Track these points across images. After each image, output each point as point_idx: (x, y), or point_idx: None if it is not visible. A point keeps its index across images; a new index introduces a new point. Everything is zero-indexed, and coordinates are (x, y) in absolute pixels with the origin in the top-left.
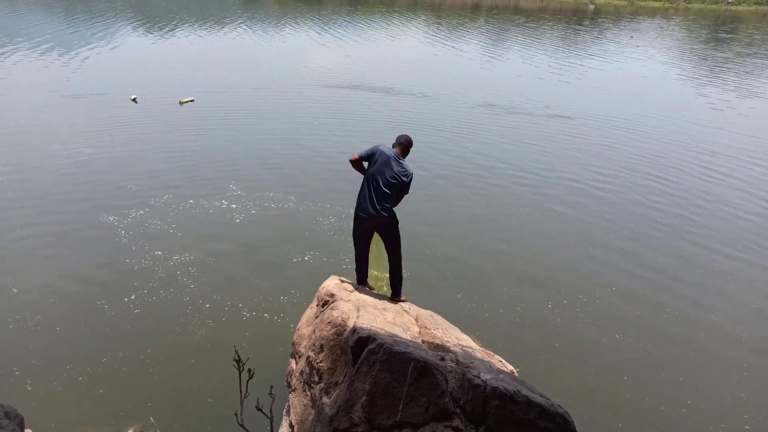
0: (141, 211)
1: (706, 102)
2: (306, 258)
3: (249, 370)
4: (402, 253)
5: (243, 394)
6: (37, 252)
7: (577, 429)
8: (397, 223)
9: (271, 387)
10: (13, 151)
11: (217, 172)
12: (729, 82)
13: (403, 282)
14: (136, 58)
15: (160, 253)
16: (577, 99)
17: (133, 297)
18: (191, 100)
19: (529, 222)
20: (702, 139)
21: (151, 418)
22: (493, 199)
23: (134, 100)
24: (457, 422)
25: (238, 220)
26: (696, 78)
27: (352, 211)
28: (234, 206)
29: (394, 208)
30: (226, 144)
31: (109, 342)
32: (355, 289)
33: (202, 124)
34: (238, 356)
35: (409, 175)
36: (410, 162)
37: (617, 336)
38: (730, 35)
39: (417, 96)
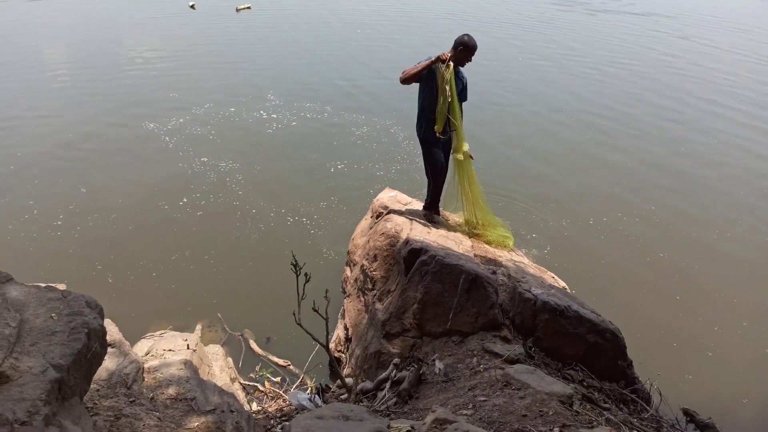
0: (182, 119)
1: None
2: (340, 167)
3: (305, 274)
4: (429, 173)
5: (300, 295)
6: (89, 153)
7: (627, 345)
8: (420, 139)
9: (327, 291)
10: (73, 53)
11: (259, 81)
12: None
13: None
14: None
15: (206, 159)
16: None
17: (185, 200)
18: (248, 7)
19: (574, 137)
20: None
21: (219, 314)
22: (537, 111)
23: (192, 6)
24: (505, 332)
25: (276, 130)
26: None
27: (387, 123)
28: (274, 116)
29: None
30: (271, 53)
31: (176, 241)
32: (409, 203)
33: (253, 32)
34: (295, 260)
35: None
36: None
37: (661, 255)
38: None
39: None
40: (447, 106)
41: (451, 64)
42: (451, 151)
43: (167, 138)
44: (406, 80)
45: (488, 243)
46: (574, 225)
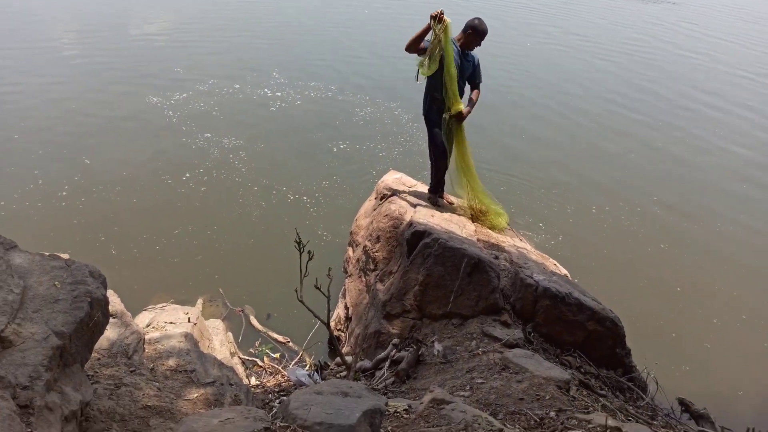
0: (185, 94)
1: None
2: (342, 146)
3: (309, 252)
4: (431, 155)
5: (303, 273)
6: (92, 124)
7: (626, 334)
8: (426, 120)
9: (329, 269)
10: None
11: (264, 58)
12: None
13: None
14: None
15: (209, 135)
16: None
17: (188, 176)
18: None
19: (580, 124)
20: None
21: (220, 289)
22: (544, 97)
23: None
24: (506, 317)
25: (280, 108)
26: None
27: (391, 105)
28: (278, 94)
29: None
30: (277, 30)
31: (179, 216)
32: (413, 185)
33: (260, 8)
34: (299, 238)
35: None
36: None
37: (662, 246)
38: None
39: None
40: (437, 66)
41: (447, 21)
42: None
43: (170, 112)
44: (408, 47)
45: (491, 228)
46: (577, 213)
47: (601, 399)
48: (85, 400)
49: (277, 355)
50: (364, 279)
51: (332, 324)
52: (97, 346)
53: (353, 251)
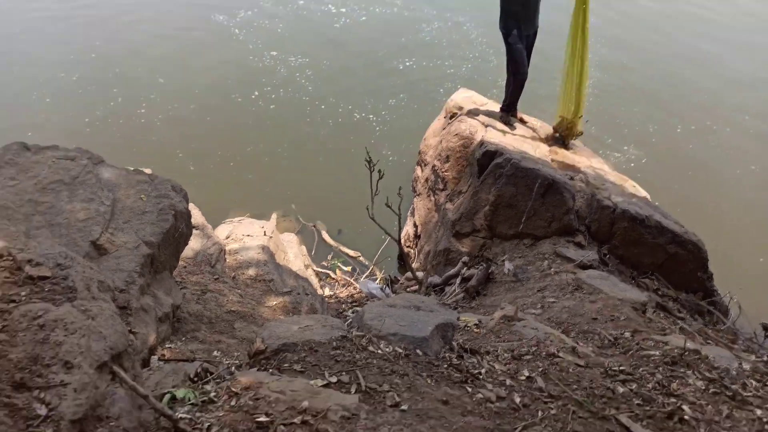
0: (250, 12)
1: None
2: (408, 63)
3: (379, 171)
4: (510, 71)
5: (373, 191)
6: (160, 42)
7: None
8: (504, 35)
9: (400, 188)
10: None
11: None
12: None
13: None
14: None
15: (275, 53)
16: None
17: (257, 94)
18: None
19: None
20: None
21: (293, 205)
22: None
23: None
24: (580, 238)
25: (344, 24)
26: None
27: (460, 19)
28: (343, 10)
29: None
30: None
31: (250, 133)
32: (485, 104)
33: None
34: (369, 157)
35: None
36: None
37: (753, 167)
38: None
39: None
40: None
41: None
42: None
43: (236, 30)
44: None
45: (567, 135)
46: (660, 132)
47: (679, 322)
48: (176, 303)
49: (349, 268)
50: (433, 198)
51: (402, 241)
52: (182, 255)
53: (422, 170)
